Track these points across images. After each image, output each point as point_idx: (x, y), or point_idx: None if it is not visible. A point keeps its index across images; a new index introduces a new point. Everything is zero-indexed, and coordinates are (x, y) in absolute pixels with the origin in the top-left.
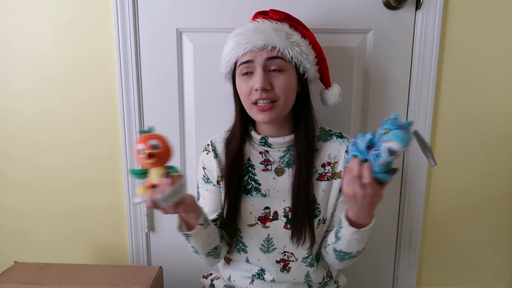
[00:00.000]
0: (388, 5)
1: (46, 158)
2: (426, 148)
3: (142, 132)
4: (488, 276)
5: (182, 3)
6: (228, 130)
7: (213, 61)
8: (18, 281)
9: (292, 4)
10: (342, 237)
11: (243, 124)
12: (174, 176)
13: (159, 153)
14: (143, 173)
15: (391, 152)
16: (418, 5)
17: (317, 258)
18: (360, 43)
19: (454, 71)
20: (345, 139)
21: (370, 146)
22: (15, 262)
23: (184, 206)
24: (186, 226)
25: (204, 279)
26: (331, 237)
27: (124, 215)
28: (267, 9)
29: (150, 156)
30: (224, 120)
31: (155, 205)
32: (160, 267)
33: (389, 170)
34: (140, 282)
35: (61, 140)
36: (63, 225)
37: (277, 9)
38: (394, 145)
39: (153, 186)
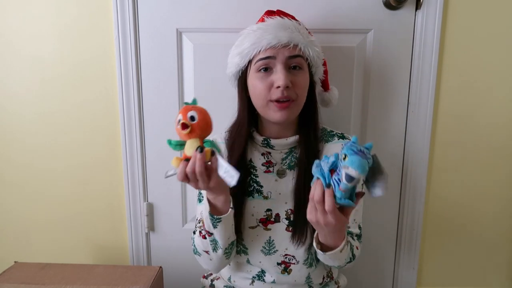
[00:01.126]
0: (388, 5)
1: (47, 159)
2: (380, 175)
3: (185, 103)
4: (488, 276)
5: (182, 3)
6: (228, 131)
7: (213, 61)
8: (18, 281)
9: (293, 4)
10: (318, 257)
11: (249, 124)
12: (207, 150)
13: (194, 125)
14: (179, 145)
15: (350, 179)
16: (418, 5)
17: (318, 258)
18: (360, 43)
19: (454, 71)
20: (347, 140)
21: (334, 169)
22: (15, 262)
23: (216, 181)
24: (214, 212)
25: (204, 279)
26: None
27: (124, 215)
28: (269, 9)
29: (184, 126)
30: (224, 120)
31: (186, 178)
32: (160, 267)
33: (353, 194)
34: (140, 282)
35: (61, 141)
36: (63, 225)
37: (277, 8)
38: (351, 171)
39: (187, 159)
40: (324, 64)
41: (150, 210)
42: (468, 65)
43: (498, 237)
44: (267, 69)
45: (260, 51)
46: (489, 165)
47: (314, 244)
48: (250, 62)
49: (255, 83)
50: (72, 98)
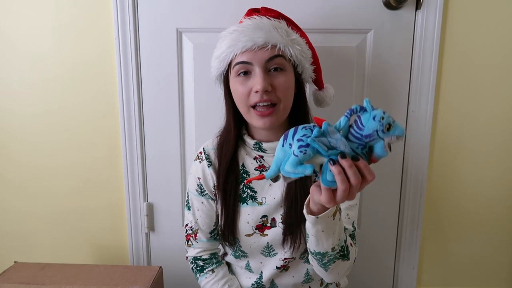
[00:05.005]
0: (388, 5)
1: (46, 159)
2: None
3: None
4: (488, 276)
5: (182, 3)
6: (218, 136)
7: None
8: (18, 281)
9: (292, 4)
10: (308, 233)
11: (236, 128)
12: None
13: None
14: None
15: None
16: (418, 5)
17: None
18: (360, 43)
19: (454, 71)
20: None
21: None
22: (15, 262)
23: None
24: None
25: None
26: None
27: (124, 215)
28: (251, 8)
29: None
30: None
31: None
32: (160, 267)
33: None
34: (140, 282)
35: (61, 141)
36: (63, 225)
37: (275, 8)
38: (399, 137)
39: None
40: (316, 62)
41: (150, 210)
42: (468, 65)
43: (498, 237)
44: (246, 73)
45: (236, 54)
46: (489, 165)
47: (305, 211)
48: (230, 65)
49: (235, 88)
50: (72, 98)
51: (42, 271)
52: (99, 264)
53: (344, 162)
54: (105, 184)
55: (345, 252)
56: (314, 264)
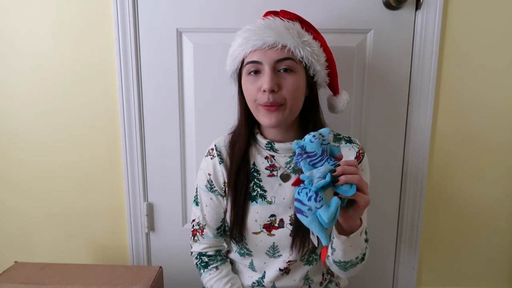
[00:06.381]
0: (388, 5)
1: (47, 158)
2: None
3: None
4: (488, 276)
5: (182, 3)
6: (231, 133)
7: (214, 61)
8: (18, 281)
9: (293, 4)
10: (336, 248)
11: (248, 127)
12: None
13: None
14: None
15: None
16: (418, 5)
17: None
18: (360, 43)
19: (454, 71)
20: (354, 144)
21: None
22: (15, 262)
23: None
24: None
25: None
26: (329, 249)
27: (124, 215)
28: (270, 9)
29: None
30: (224, 121)
31: None
32: (160, 267)
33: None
34: (140, 282)
35: (61, 141)
36: (63, 225)
37: (275, 9)
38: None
39: None
40: (331, 66)
41: (150, 210)
42: (468, 65)
43: (498, 237)
44: (257, 72)
45: (246, 53)
46: (489, 165)
47: (335, 232)
48: (243, 63)
49: (246, 86)
50: (72, 98)
51: (42, 271)
52: (99, 264)
53: (340, 168)
54: (105, 184)
55: (364, 256)
56: (333, 267)
